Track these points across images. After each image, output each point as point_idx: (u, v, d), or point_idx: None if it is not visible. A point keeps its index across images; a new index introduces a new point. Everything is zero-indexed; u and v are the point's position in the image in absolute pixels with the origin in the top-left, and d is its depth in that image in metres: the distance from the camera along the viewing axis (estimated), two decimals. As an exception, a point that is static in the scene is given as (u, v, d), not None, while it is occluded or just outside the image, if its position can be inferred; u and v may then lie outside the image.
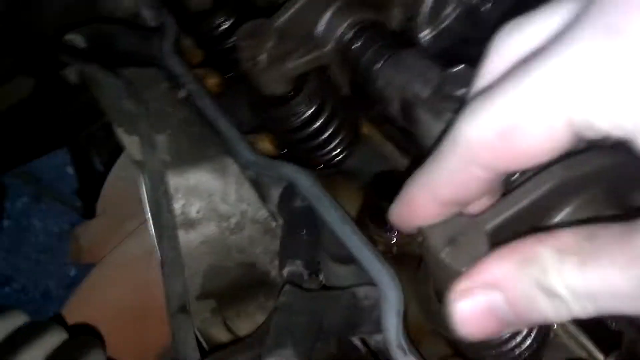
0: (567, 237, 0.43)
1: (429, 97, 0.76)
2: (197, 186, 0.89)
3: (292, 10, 0.86)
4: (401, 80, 0.80)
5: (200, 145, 0.92)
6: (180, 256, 0.80)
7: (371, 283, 0.76)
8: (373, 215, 0.86)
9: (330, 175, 0.91)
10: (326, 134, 0.92)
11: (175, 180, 0.87)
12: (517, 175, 0.61)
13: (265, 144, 0.95)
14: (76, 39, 1.07)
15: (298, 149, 0.94)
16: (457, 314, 0.48)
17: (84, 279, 1.03)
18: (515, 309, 0.45)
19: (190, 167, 0.89)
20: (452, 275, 0.60)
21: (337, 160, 0.94)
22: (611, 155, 0.63)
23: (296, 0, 0.86)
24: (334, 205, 0.82)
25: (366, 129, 0.96)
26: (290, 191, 0.89)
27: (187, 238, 0.87)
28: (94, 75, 0.96)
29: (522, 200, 0.60)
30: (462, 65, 0.73)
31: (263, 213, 0.92)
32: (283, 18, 0.85)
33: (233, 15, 1.05)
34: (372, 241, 0.81)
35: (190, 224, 0.88)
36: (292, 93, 0.90)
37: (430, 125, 0.76)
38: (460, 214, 0.60)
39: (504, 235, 0.61)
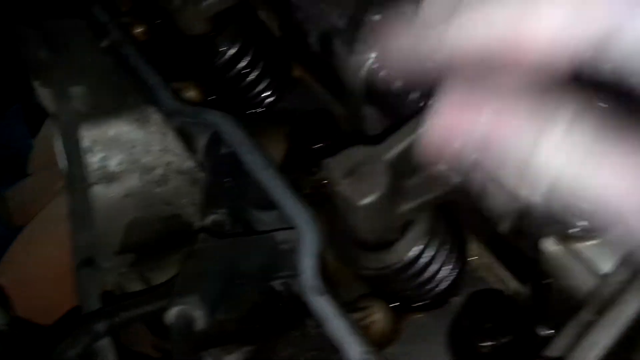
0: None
1: (344, 27, 0.72)
2: (117, 137, 0.85)
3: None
4: (317, 10, 0.76)
5: (122, 95, 0.88)
6: (89, 209, 0.78)
7: (292, 227, 0.74)
8: (301, 158, 0.84)
9: (258, 120, 0.88)
10: (253, 76, 0.89)
11: (93, 132, 0.84)
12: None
13: (191, 92, 0.91)
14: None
15: (225, 94, 0.91)
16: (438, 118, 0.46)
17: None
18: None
19: (109, 118, 0.85)
20: (351, 208, 0.58)
21: (267, 104, 0.91)
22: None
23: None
24: (256, 149, 0.79)
25: (298, 72, 0.93)
26: (215, 138, 0.86)
27: (107, 192, 0.84)
28: (18, 30, 0.92)
29: (417, 130, 0.57)
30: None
31: (190, 164, 0.88)
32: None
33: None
34: (299, 184, 0.78)
35: (110, 177, 0.85)
36: (219, 35, 0.86)
37: (346, 56, 0.72)
38: (358, 147, 0.57)
39: (405, 163, 0.58)
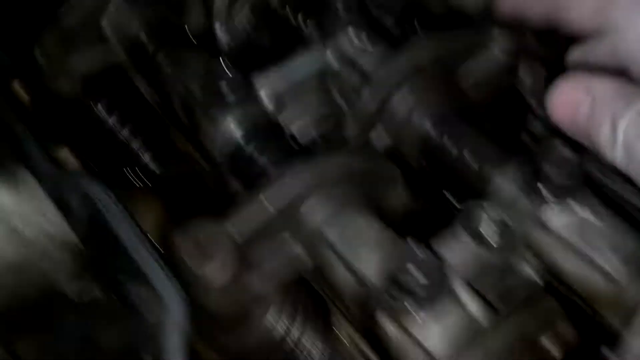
0: None
1: (201, 94, 0.74)
2: (-9, 205, 0.85)
3: (75, 10, 0.83)
4: (180, 78, 0.78)
5: (-4, 158, 0.87)
6: None
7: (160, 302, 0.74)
8: (177, 228, 0.85)
9: (136, 187, 0.89)
10: (131, 142, 0.90)
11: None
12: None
13: (70, 157, 0.91)
14: None
15: (104, 160, 0.91)
16: (556, 94, 0.63)
17: None
18: (589, 122, 0.59)
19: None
20: (201, 286, 0.60)
21: (147, 170, 0.92)
22: (356, 158, 0.65)
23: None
24: (128, 219, 0.80)
25: (180, 145, 0.94)
26: (90, 205, 0.86)
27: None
28: None
29: (265, 206, 0.60)
30: (226, 64, 0.72)
31: (65, 230, 0.88)
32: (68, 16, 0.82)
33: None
34: (174, 257, 0.80)
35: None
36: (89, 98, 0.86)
37: (202, 122, 0.74)
38: (208, 222, 0.59)
39: (253, 236, 0.61)
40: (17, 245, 0.85)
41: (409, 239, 0.58)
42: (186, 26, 0.91)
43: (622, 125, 0.55)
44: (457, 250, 0.58)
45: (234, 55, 0.92)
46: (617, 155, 0.57)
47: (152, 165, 0.91)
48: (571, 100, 0.61)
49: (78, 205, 0.87)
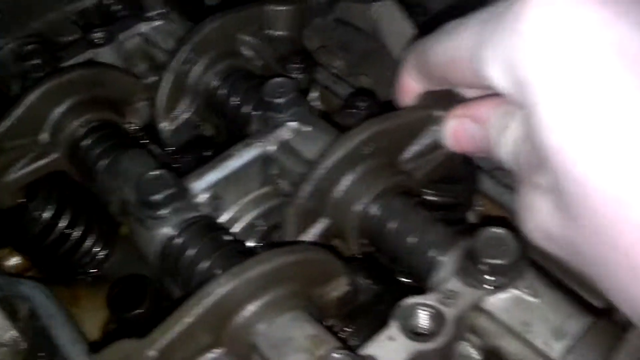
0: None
1: (135, 202, 0.74)
2: None
3: (12, 120, 0.83)
4: (115, 184, 0.78)
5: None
6: None
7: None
8: (118, 325, 0.83)
9: (80, 286, 0.87)
10: (72, 239, 0.89)
11: None
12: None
13: (15, 258, 0.91)
14: None
15: (50, 258, 0.90)
16: (448, 128, 0.71)
17: None
18: (485, 143, 0.65)
19: None
20: None
21: (93, 265, 0.91)
22: (294, 257, 0.63)
23: (17, 108, 0.83)
24: (67, 322, 0.78)
25: (125, 229, 0.93)
26: (33, 311, 0.84)
27: None
28: None
29: (184, 319, 0.58)
30: (159, 171, 0.72)
31: (12, 334, 0.86)
32: (2, 129, 0.82)
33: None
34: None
35: None
36: (29, 201, 0.86)
37: (137, 230, 0.73)
38: (126, 340, 0.57)
39: (175, 354, 0.58)
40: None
41: (337, 346, 0.57)
42: (128, 124, 0.93)
43: (509, 138, 0.61)
44: (391, 351, 0.56)
45: (176, 149, 0.93)
46: (510, 162, 0.62)
47: (96, 250, 0.90)
48: (464, 133, 0.69)
49: (23, 310, 0.85)
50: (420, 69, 0.72)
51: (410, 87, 0.75)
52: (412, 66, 0.73)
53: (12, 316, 0.87)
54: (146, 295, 0.80)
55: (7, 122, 0.82)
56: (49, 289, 0.81)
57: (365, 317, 0.75)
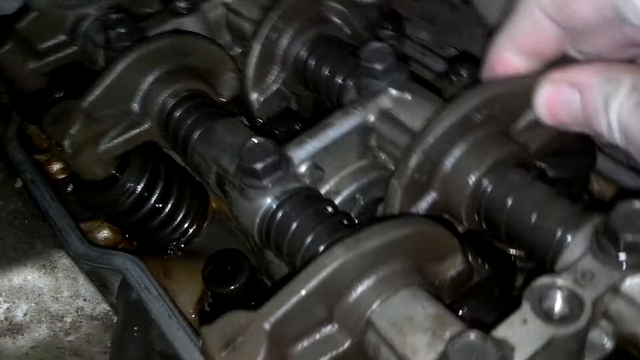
0: None
1: (234, 172, 0.70)
2: (22, 286, 0.82)
3: (102, 88, 0.81)
4: (211, 154, 0.75)
5: (29, 240, 0.86)
6: None
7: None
8: (215, 301, 0.80)
9: (172, 259, 0.85)
10: (164, 213, 0.87)
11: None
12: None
13: (106, 232, 0.89)
14: None
15: (141, 231, 0.89)
16: (541, 95, 0.62)
17: None
18: (585, 113, 0.57)
19: (13, 265, 0.83)
20: None
21: (184, 240, 0.88)
22: (407, 230, 0.59)
23: (106, 76, 0.81)
24: (161, 296, 0.76)
25: (215, 204, 0.91)
26: (125, 284, 0.83)
27: (14, 345, 0.80)
28: None
29: (299, 291, 0.54)
30: (261, 139, 0.68)
31: (103, 307, 0.85)
32: (91, 97, 0.80)
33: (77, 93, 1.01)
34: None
35: (17, 329, 0.81)
36: (117, 174, 0.84)
37: (237, 200, 0.70)
38: (239, 312, 0.54)
39: (289, 327, 0.55)
40: (49, 323, 0.82)
41: (466, 327, 0.52)
42: (219, 96, 0.90)
43: (614, 108, 0.55)
44: (525, 334, 0.51)
45: (267, 122, 0.90)
46: (615, 137, 0.56)
47: (190, 229, 0.88)
48: (560, 101, 0.61)
49: (115, 283, 0.84)
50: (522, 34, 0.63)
51: (509, 62, 0.66)
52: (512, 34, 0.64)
53: (103, 289, 0.86)
54: (242, 270, 0.77)
55: (97, 91, 0.80)
56: (142, 262, 0.79)
57: (478, 298, 0.70)
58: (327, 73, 0.86)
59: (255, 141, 0.69)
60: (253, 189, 0.68)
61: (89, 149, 0.80)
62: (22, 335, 0.81)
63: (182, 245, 0.88)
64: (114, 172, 0.84)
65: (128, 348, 0.77)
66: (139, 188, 0.85)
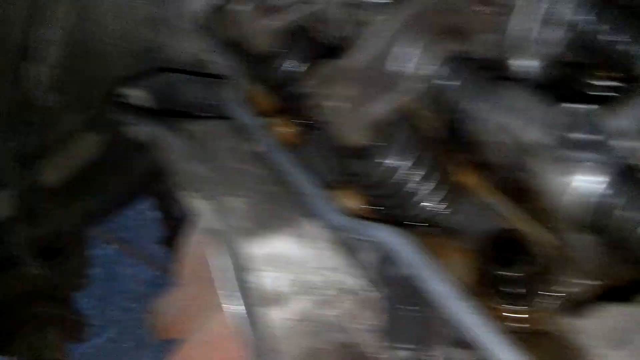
0: None
1: (548, 144, 0.64)
2: (284, 255, 0.79)
3: (374, 49, 0.76)
4: (509, 123, 0.68)
5: (281, 207, 0.82)
6: (264, 339, 0.70)
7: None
8: (493, 285, 0.74)
9: (432, 236, 0.79)
10: (422, 187, 0.81)
11: (259, 251, 0.78)
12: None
13: (351, 201, 0.85)
14: (137, 93, 1.01)
15: (389, 204, 0.84)
16: None
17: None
18: None
19: (274, 234, 0.80)
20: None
21: (437, 217, 0.83)
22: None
23: (377, 36, 0.75)
24: (440, 274, 0.71)
25: (469, 179, 0.85)
26: (388, 257, 0.78)
27: (279, 316, 0.77)
28: (159, 135, 0.88)
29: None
30: (577, 105, 0.61)
31: (360, 283, 0.81)
32: (364, 58, 0.75)
33: (306, 56, 0.96)
34: (495, 318, 0.69)
35: (278, 299, 0.78)
36: (379, 143, 0.79)
37: (552, 178, 0.63)
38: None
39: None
40: (312, 296, 0.79)
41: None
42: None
43: None
44: None
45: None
46: None
47: (441, 205, 0.82)
48: None
49: (374, 256, 0.79)
50: None
51: None
52: None
53: (360, 263, 0.82)
54: (526, 251, 0.71)
55: (361, 52, 0.75)
56: (408, 237, 0.74)
57: None
58: (618, 41, 0.77)
59: (570, 107, 0.62)
60: (566, 163, 0.62)
61: (358, 114, 0.76)
62: (287, 306, 0.78)
63: (434, 221, 0.83)
64: (373, 140, 0.78)
65: (404, 330, 0.72)
66: (397, 159, 0.79)
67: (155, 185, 1.84)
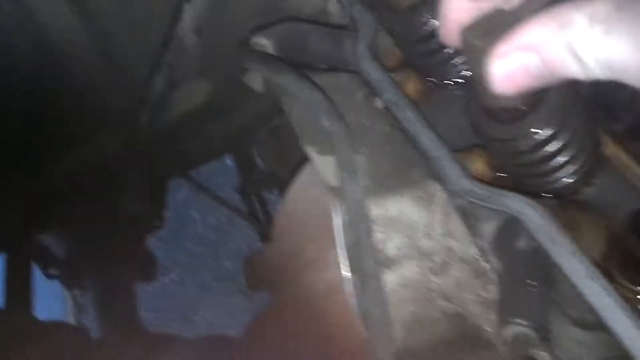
0: (601, 5, 0.48)
1: None
2: (398, 217, 0.77)
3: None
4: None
5: (403, 167, 0.80)
6: (388, 313, 0.70)
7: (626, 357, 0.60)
8: (628, 264, 0.69)
9: (567, 209, 0.75)
10: (560, 157, 0.75)
11: (375, 211, 0.76)
12: None
13: (479, 165, 0.81)
14: (264, 42, 1.01)
15: (520, 172, 0.79)
16: (495, 72, 0.59)
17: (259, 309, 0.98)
18: (549, 68, 0.55)
19: (391, 194, 0.78)
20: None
21: (573, 189, 0.77)
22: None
23: None
24: (575, 251, 0.66)
25: (610, 149, 0.78)
26: (512, 228, 0.74)
27: (384, 280, 0.76)
28: (286, 85, 0.88)
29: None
30: None
31: (473, 251, 0.78)
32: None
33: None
34: (627, 299, 0.64)
35: (388, 263, 0.76)
36: (525, 108, 0.73)
37: None
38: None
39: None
40: (419, 261, 0.77)
41: None
42: None
43: (582, 46, 0.50)
44: None
45: None
46: (597, 72, 0.51)
47: (578, 177, 0.76)
48: (518, 70, 0.57)
49: (492, 224, 0.76)
50: None
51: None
52: None
53: (474, 231, 0.79)
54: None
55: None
56: (543, 209, 0.70)
57: None
58: None
59: None
60: None
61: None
62: (393, 270, 0.76)
63: (573, 195, 0.77)
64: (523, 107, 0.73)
65: (521, 304, 0.69)
66: (548, 132, 0.73)
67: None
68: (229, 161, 2.54)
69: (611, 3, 0.49)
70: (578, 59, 0.51)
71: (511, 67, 0.58)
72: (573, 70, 0.53)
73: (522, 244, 0.73)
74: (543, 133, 0.71)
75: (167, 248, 3.02)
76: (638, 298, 0.68)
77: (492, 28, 0.59)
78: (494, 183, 0.77)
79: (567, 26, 0.51)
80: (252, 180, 2.20)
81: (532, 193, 0.76)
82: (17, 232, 1.70)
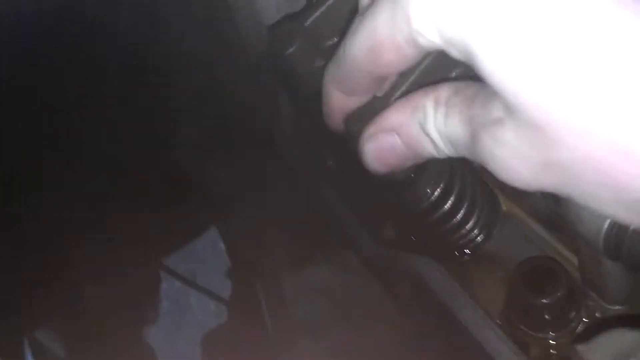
0: (444, 91, 0.54)
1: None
2: (317, 286, 0.83)
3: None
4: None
5: (321, 238, 0.87)
6: None
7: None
8: (522, 312, 0.75)
9: (467, 264, 0.81)
10: (458, 216, 0.83)
11: (294, 280, 0.83)
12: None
13: (388, 230, 0.88)
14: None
15: (425, 234, 0.86)
16: (366, 153, 0.62)
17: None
18: (409, 147, 0.58)
19: (309, 264, 0.84)
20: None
21: (474, 245, 0.84)
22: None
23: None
24: (471, 304, 0.73)
25: (506, 206, 0.86)
26: (420, 286, 0.80)
27: (313, 347, 0.81)
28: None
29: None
30: None
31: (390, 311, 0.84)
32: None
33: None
34: (524, 344, 0.70)
35: (314, 331, 0.82)
36: (413, 174, 0.81)
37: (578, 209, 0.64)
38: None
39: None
40: (345, 330, 0.83)
41: None
42: None
43: (431, 128, 0.55)
44: None
45: None
46: (445, 150, 0.56)
47: (480, 234, 0.83)
48: (385, 150, 0.61)
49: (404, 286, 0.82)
50: (343, 77, 0.61)
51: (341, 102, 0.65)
52: (335, 77, 0.62)
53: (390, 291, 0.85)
54: (560, 280, 0.72)
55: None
56: (442, 267, 0.77)
57: None
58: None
59: None
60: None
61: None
62: (320, 339, 0.82)
63: (471, 251, 0.84)
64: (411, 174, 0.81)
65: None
66: (437, 191, 0.81)
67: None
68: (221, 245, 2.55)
69: (450, 88, 0.55)
70: (430, 139, 0.56)
71: (379, 148, 0.62)
72: (429, 149, 0.58)
73: (430, 300, 0.79)
74: (435, 192, 0.79)
75: (169, 339, 2.92)
76: (538, 342, 0.74)
77: (365, 114, 0.66)
78: (401, 246, 0.84)
79: (419, 110, 0.57)
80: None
81: (441, 252, 0.83)
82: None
